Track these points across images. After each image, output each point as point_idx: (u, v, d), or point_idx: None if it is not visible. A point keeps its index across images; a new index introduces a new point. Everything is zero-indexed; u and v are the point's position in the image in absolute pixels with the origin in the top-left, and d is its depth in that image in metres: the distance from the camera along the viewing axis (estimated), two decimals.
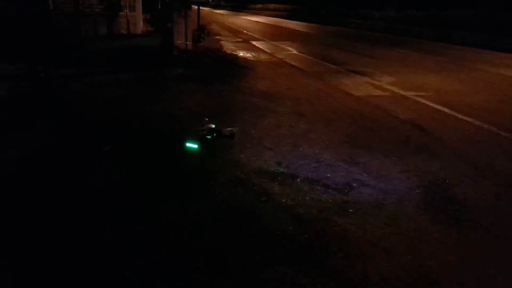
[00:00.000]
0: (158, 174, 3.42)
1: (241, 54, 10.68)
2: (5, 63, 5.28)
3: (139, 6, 15.09)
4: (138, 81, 7.00)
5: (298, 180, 3.43)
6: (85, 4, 12.59)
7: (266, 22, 25.30)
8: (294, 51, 11.80)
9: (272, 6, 38.31)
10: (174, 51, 8.98)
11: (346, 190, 3.30)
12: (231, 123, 4.78)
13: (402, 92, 6.90)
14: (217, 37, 14.27)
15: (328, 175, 3.56)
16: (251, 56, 10.50)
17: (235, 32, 17.53)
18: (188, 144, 3.82)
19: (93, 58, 8.29)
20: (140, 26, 14.93)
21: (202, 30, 10.36)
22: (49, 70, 5.91)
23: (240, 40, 14.33)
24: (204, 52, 9.48)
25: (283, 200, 3.06)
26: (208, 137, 3.99)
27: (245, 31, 17.83)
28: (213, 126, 4.10)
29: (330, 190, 3.28)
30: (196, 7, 11.38)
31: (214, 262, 2.34)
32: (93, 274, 2.21)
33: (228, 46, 12.18)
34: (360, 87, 7.30)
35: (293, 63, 9.68)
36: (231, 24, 22.54)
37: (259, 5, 41.15)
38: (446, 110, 5.83)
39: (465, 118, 5.44)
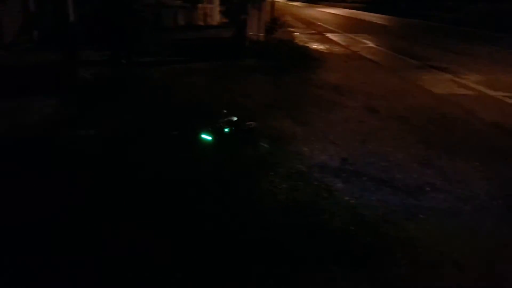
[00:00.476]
0: (220, 162, 3.46)
1: (313, 46, 10.46)
2: (92, 50, 5.75)
3: None
4: (210, 70, 7.17)
5: (364, 178, 3.25)
6: None
7: (342, 14, 24.54)
8: (371, 44, 11.27)
9: None
10: (246, 42, 9.06)
11: (417, 194, 3.05)
12: (297, 115, 4.70)
13: (489, 92, 6.23)
14: (290, 28, 14.13)
15: (399, 176, 3.33)
16: (324, 48, 10.24)
17: (309, 24, 17.24)
18: (203, 136, 3.76)
19: (171, 47, 8.69)
20: (216, 17, 15.35)
21: (275, 22, 10.33)
22: (130, 57, 6.30)
23: (314, 32, 14.05)
24: (276, 44, 9.44)
25: (346, 198, 2.92)
26: (226, 129, 3.88)
27: (319, 23, 17.45)
28: (234, 118, 3.97)
29: (399, 193, 3.06)
30: None
31: (267, 253, 2.30)
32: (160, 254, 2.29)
33: (301, 38, 12.01)
34: (441, 84, 6.74)
35: (369, 57, 9.25)
36: (306, 16, 22.21)
37: None
38: None
39: None
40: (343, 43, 11.27)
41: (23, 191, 2.85)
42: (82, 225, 2.49)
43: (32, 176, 3.05)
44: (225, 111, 4.13)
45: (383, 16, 22.56)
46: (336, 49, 10.29)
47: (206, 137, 3.75)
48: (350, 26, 16.55)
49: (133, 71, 6.24)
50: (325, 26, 16.30)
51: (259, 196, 2.89)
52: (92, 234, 2.41)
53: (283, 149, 3.74)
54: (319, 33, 13.62)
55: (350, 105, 5.28)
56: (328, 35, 13.14)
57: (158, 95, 5.48)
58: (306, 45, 10.50)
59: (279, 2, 23.40)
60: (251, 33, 9.22)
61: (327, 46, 10.66)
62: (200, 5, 14.33)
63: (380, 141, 4.08)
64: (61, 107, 4.60)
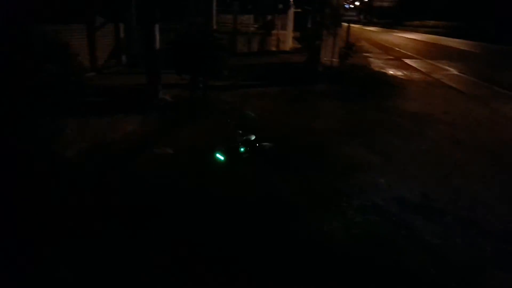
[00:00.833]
0: (289, 187, 3.42)
1: (390, 72, 10.15)
2: (173, 74, 6.15)
3: (290, 25, 15.91)
4: (282, 94, 7.27)
5: (449, 217, 3.00)
6: (242, 23, 13.89)
7: (422, 39, 23.62)
8: (454, 71, 10.64)
9: (431, 23, 35.47)
10: (319, 67, 9.09)
11: (511, 240, 2.74)
12: (373, 144, 4.53)
13: None
14: (365, 54, 13.92)
15: (488, 217, 3.02)
16: (401, 74, 9.88)
17: (385, 49, 16.83)
18: (218, 155, 3.80)
19: (245, 72, 9.03)
20: (288, 43, 15.69)
21: (349, 47, 10.25)
22: (207, 81, 6.64)
23: (391, 57, 13.66)
24: (350, 69, 9.33)
25: (428, 238, 2.71)
26: (241, 149, 3.89)
27: (397, 48, 16.95)
28: (252, 138, 3.99)
29: (489, 237, 2.77)
30: (346, 24, 11.35)
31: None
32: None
33: (377, 63, 11.74)
34: None
35: (452, 84, 8.72)
36: (382, 41, 21.74)
37: (416, 22, 38.62)
38: None
39: None
40: (423, 70, 10.79)
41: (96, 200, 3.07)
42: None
43: (107, 189, 3.28)
44: (240, 131, 4.15)
45: (469, 42, 21.29)
46: (416, 75, 9.87)
47: (220, 156, 3.80)
48: (430, 52, 15.84)
49: (209, 94, 6.55)
50: (403, 51, 15.78)
51: (331, 228, 2.80)
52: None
53: (357, 179, 3.60)
54: (397, 59, 13.21)
55: (431, 136, 4.98)
56: (407, 61, 12.68)
57: (231, 117, 5.65)
58: (383, 71, 10.23)
59: (354, 27, 23.18)
60: (325, 59, 9.23)
61: (405, 72, 10.28)
62: (273, 32, 14.79)
63: (466, 176, 3.77)
64: (142, 125, 4.95)
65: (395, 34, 29.67)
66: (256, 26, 14.67)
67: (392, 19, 46.45)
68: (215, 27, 11.20)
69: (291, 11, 15.96)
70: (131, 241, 2.58)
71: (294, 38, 15.71)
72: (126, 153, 4.08)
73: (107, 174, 3.58)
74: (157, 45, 6.29)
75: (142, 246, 2.53)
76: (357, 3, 57.83)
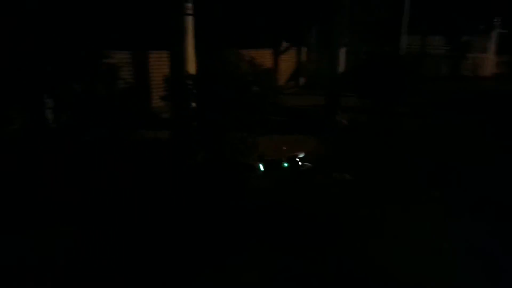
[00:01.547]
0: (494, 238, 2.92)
1: None
2: (351, 97, 6.17)
3: (492, 47, 14.09)
4: (478, 130, 6.32)
5: None
6: (431, 45, 13.03)
7: None
8: None
9: None
10: None
11: None
12: None
13: None
14: None
15: None
16: None
17: None
18: (260, 165, 4.18)
19: (431, 98, 8.40)
20: (489, 68, 13.90)
21: None
22: (388, 107, 6.41)
23: None
24: None
25: None
26: (285, 164, 4.23)
27: None
28: (300, 155, 4.28)
29: None
30: None
31: None
32: None
33: None
34: None
35: None
36: None
37: None
38: None
39: None
40: None
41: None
42: None
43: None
44: (284, 148, 4.51)
45: None
46: None
47: (261, 167, 4.22)
48: None
49: (388, 120, 6.30)
50: None
51: None
52: None
53: None
54: None
55: None
56: None
57: (412, 149, 5.24)
58: None
59: None
60: None
61: None
62: (469, 55, 13.37)
63: None
64: (319, 147, 5.07)
65: None
66: (447, 48, 13.55)
67: None
68: (401, 50, 10.83)
69: (495, 32, 14.15)
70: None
71: (499, 62, 13.87)
72: (304, 173, 4.24)
73: (289, 190, 3.85)
74: (341, 68, 6.43)
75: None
76: None
